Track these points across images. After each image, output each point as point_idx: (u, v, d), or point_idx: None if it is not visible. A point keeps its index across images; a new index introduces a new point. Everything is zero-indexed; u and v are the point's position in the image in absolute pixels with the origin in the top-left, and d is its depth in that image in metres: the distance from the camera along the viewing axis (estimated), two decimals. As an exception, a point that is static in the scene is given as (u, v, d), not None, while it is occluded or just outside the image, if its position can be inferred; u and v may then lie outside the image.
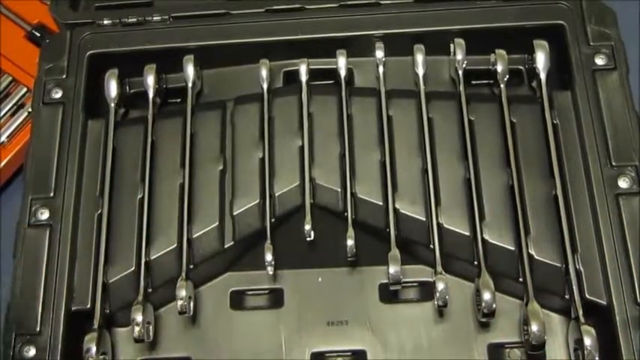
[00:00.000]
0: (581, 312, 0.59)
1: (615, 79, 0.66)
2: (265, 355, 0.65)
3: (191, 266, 0.64)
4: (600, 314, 0.59)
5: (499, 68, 0.67)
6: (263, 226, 0.64)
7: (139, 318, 0.60)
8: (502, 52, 0.68)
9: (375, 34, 0.70)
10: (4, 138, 0.82)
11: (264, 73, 0.69)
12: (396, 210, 0.64)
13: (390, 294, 0.66)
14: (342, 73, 0.68)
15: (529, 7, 0.69)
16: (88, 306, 0.62)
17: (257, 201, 0.65)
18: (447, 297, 0.60)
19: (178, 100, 0.73)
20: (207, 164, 0.66)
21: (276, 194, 0.65)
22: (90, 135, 0.69)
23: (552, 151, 0.64)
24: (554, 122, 0.66)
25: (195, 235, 0.64)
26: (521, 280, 0.61)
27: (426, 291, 0.66)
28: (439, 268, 0.61)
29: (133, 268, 0.63)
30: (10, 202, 0.82)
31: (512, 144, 0.65)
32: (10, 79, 0.84)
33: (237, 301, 0.67)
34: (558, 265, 0.61)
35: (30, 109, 0.80)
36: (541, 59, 0.67)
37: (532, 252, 0.61)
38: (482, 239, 0.62)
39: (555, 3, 0.69)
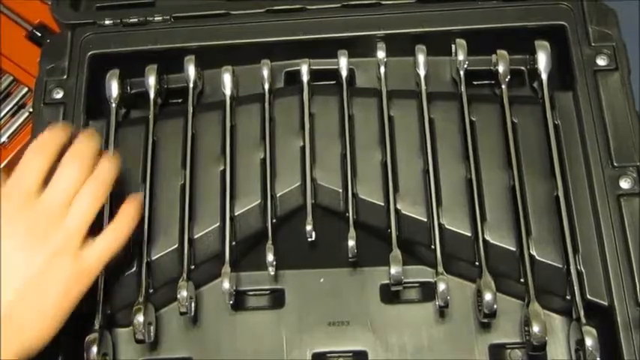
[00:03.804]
0: (582, 313, 0.59)
1: (616, 80, 0.66)
2: (266, 355, 0.65)
3: (192, 267, 0.64)
4: (601, 315, 0.59)
5: (500, 69, 0.67)
6: (264, 226, 0.64)
7: (140, 318, 0.60)
8: (503, 52, 0.68)
9: (376, 34, 0.70)
10: (4, 138, 0.82)
11: (265, 73, 0.69)
12: (397, 210, 0.64)
13: (391, 294, 0.66)
14: (344, 73, 0.68)
15: (530, 7, 0.69)
16: (90, 306, 0.62)
17: (258, 201, 0.65)
18: (448, 297, 0.60)
19: (179, 100, 0.73)
20: (208, 164, 0.66)
21: (278, 195, 0.65)
22: (91, 135, 0.69)
23: (554, 151, 0.64)
24: (556, 123, 0.66)
25: (196, 236, 0.64)
26: (522, 280, 0.61)
27: (428, 291, 0.66)
28: (440, 269, 0.61)
29: (134, 269, 0.63)
30: (10, 202, 0.82)
31: (514, 144, 0.65)
32: (10, 78, 0.84)
33: (239, 301, 0.67)
34: (559, 265, 0.61)
35: (31, 109, 0.80)
36: (542, 60, 0.67)
37: (533, 253, 0.61)
38: (484, 240, 0.62)
39: (556, 3, 0.69)
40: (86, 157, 0.58)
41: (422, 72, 0.68)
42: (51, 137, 0.58)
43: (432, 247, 0.63)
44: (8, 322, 0.52)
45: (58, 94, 0.69)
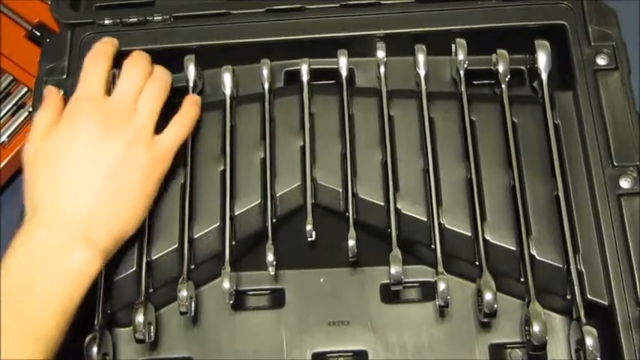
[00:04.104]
0: (582, 312, 0.59)
1: (616, 79, 0.66)
2: (266, 355, 0.65)
3: (192, 266, 0.64)
4: (602, 315, 0.59)
5: (500, 68, 0.67)
6: (264, 226, 0.64)
7: (141, 318, 0.60)
8: (503, 52, 0.68)
9: (376, 34, 0.70)
10: (4, 138, 0.82)
11: (265, 73, 0.69)
12: (397, 210, 0.64)
13: (391, 294, 0.66)
14: (344, 73, 0.68)
15: (530, 7, 0.69)
16: (90, 306, 0.62)
17: (258, 201, 0.65)
18: (448, 297, 0.60)
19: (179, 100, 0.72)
20: (208, 164, 0.66)
21: (278, 194, 0.65)
22: (91, 135, 0.68)
23: (554, 151, 0.64)
24: (556, 122, 0.66)
25: (196, 236, 0.64)
26: (522, 280, 0.61)
27: (428, 291, 0.66)
28: (440, 269, 0.61)
29: (134, 269, 0.63)
30: (10, 202, 0.82)
31: (514, 144, 0.65)
32: (10, 78, 0.84)
33: (239, 301, 0.67)
34: (560, 265, 0.61)
35: (30, 109, 0.80)
36: (542, 59, 0.67)
37: (533, 252, 0.61)
38: (484, 239, 0.62)
39: (556, 3, 0.69)
40: (144, 62, 0.65)
41: (422, 72, 0.68)
42: (103, 47, 0.65)
43: (432, 246, 0.62)
44: (100, 211, 0.58)
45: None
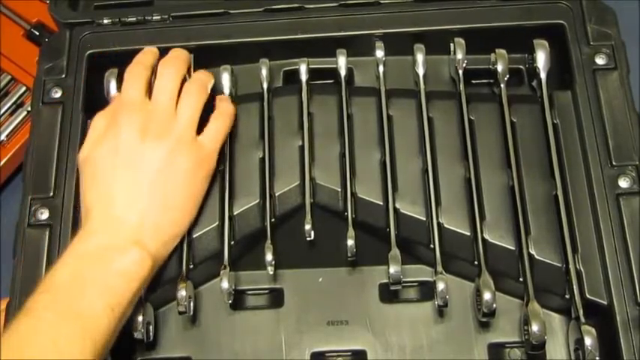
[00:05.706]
0: (581, 312, 0.59)
1: (615, 79, 0.66)
2: (265, 354, 0.65)
3: (191, 266, 0.64)
4: (601, 314, 0.59)
5: (499, 68, 0.67)
6: (263, 225, 0.64)
7: (139, 318, 0.60)
8: (502, 51, 0.68)
9: (375, 33, 0.70)
10: (3, 137, 0.82)
11: (264, 72, 0.69)
12: (396, 210, 0.64)
13: (390, 294, 0.66)
14: (342, 72, 0.68)
15: (529, 6, 0.69)
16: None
17: (257, 201, 0.65)
18: (447, 297, 0.60)
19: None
20: (207, 164, 0.66)
21: (277, 194, 0.65)
22: (89, 134, 0.68)
23: (552, 150, 0.64)
24: (555, 122, 0.66)
25: (195, 235, 0.64)
26: (521, 279, 0.61)
27: (427, 291, 0.66)
28: (439, 268, 0.61)
29: (132, 268, 0.63)
30: (9, 201, 0.82)
31: (513, 144, 0.65)
32: (9, 77, 0.85)
33: (238, 300, 0.67)
34: (559, 264, 0.61)
35: (29, 108, 0.80)
36: (541, 59, 0.67)
37: (532, 252, 0.61)
38: (483, 239, 0.62)
39: (555, 2, 0.69)
40: (179, 60, 0.65)
41: (420, 71, 0.68)
42: (142, 58, 0.66)
43: (431, 246, 0.62)
44: (148, 216, 0.59)
45: (57, 94, 0.69)
